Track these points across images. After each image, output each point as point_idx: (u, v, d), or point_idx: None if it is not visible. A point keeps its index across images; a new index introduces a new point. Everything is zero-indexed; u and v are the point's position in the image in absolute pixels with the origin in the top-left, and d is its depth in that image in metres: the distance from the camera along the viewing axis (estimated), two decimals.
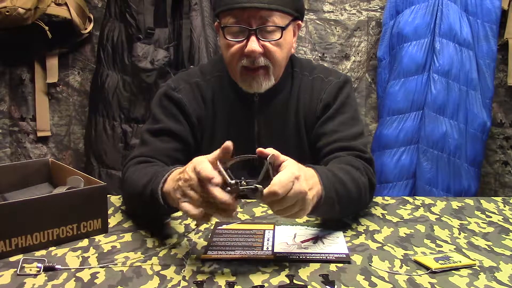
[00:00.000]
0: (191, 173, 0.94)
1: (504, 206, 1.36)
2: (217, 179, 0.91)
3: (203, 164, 0.92)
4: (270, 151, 0.96)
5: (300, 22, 1.34)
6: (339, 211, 1.11)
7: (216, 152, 0.96)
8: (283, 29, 1.25)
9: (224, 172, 0.93)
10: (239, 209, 1.29)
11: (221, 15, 1.28)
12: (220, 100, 1.37)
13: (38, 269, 0.96)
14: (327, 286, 0.90)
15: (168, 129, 1.32)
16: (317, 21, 2.52)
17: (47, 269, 0.96)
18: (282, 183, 0.89)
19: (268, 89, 1.31)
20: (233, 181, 0.91)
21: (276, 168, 0.95)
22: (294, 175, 0.91)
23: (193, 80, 1.38)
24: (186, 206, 0.94)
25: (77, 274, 0.94)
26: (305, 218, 1.19)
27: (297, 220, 1.18)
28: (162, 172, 1.09)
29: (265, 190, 0.90)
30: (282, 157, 0.97)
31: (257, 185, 0.90)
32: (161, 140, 1.31)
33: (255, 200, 1.27)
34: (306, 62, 1.43)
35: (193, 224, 1.17)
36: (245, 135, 1.37)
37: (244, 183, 0.91)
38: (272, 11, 1.23)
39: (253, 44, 1.23)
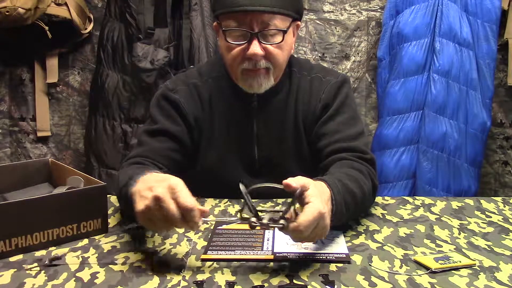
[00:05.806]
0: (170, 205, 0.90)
1: (504, 206, 1.36)
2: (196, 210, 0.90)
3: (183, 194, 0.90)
4: (299, 180, 0.92)
5: (299, 22, 1.34)
6: (345, 219, 1.12)
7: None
8: (284, 32, 1.25)
9: (251, 205, 0.91)
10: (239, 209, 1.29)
11: (221, 17, 1.27)
12: (218, 101, 1.37)
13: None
14: (327, 286, 0.90)
15: (165, 129, 1.32)
16: (317, 21, 2.52)
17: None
18: (308, 224, 0.89)
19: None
20: (265, 221, 0.91)
21: (298, 196, 0.92)
22: (319, 213, 0.90)
23: (191, 81, 1.38)
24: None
25: (77, 274, 0.94)
26: None
27: None
28: (140, 173, 1.04)
29: (291, 226, 0.90)
30: (305, 184, 0.92)
31: (283, 223, 0.90)
32: (158, 140, 1.32)
33: (255, 200, 1.27)
34: (304, 62, 1.43)
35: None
36: (244, 135, 1.37)
37: (266, 216, 0.92)
38: (274, 14, 1.22)
39: (255, 48, 1.23)
